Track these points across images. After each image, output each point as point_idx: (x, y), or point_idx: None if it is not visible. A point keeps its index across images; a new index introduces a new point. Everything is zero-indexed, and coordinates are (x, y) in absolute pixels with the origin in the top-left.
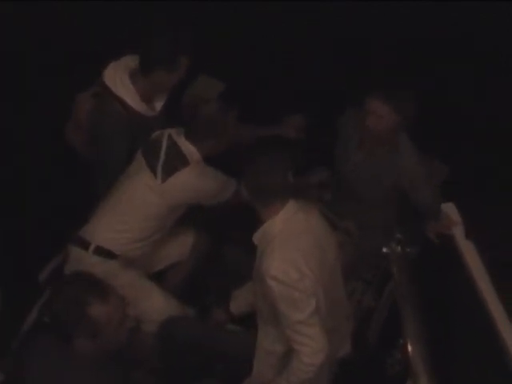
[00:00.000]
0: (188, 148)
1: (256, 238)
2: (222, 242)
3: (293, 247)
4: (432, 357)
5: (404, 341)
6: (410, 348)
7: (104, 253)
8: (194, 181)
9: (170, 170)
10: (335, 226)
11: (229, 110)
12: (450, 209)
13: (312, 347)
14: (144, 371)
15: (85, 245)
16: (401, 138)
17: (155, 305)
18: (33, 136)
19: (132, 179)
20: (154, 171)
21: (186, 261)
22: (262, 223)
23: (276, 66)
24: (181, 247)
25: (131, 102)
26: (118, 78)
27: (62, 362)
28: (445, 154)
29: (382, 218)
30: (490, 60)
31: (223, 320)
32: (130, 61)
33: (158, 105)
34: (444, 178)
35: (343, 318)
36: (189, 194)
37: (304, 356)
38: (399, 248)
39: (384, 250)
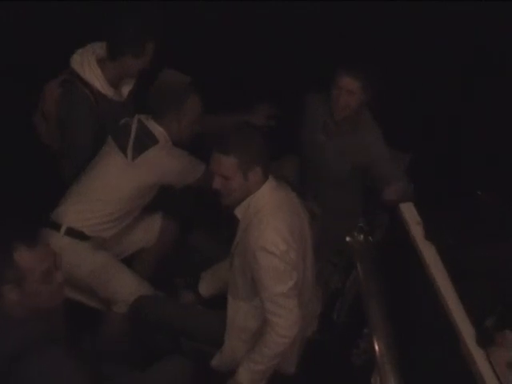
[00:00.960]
0: (156, 129)
1: (239, 211)
2: (189, 228)
3: (280, 219)
4: (396, 348)
5: (368, 331)
6: (374, 340)
7: (75, 234)
8: (164, 159)
9: (140, 149)
10: None
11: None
12: (408, 209)
13: (289, 319)
14: (116, 361)
15: (56, 227)
16: (366, 117)
17: (127, 286)
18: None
19: (103, 162)
20: (124, 151)
21: (153, 246)
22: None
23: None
24: (148, 233)
25: (99, 87)
26: (86, 64)
27: None
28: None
29: (347, 201)
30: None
31: (192, 301)
32: (98, 47)
33: (125, 90)
34: (406, 166)
35: (313, 296)
36: (159, 173)
37: (280, 328)
38: (362, 237)
39: (347, 239)
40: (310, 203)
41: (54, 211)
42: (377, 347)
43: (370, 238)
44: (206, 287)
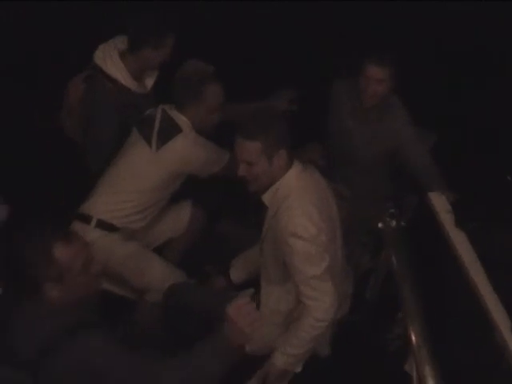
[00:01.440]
0: (180, 118)
1: (266, 198)
2: (218, 216)
3: (308, 202)
4: (431, 334)
5: (403, 316)
6: (408, 326)
7: (106, 226)
8: (188, 148)
9: (164, 138)
10: None
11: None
12: (439, 197)
13: (325, 302)
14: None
15: (87, 219)
16: (393, 100)
17: (159, 274)
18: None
19: (128, 153)
20: (149, 141)
21: (183, 235)
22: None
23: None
24: (177, 222)
25: (122, 80)
26: (109, 58)
27: (33, 312)
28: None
29: (375, 185)
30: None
31: (223, 287)
32: (119, 42)
33: (149, 82)
34: (432, 145)
35: (344, 278)
36: (183, 162)
37: (316, 311)
38: (394, 223)
39: (379, 225)
40: (339, 186)
41: (83, 204)
42: (412, 333)
43: (402, 223)
44: (237, 273)
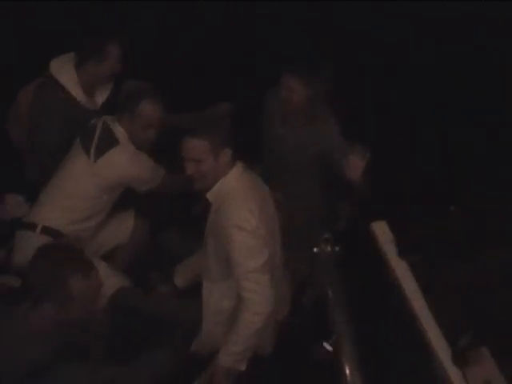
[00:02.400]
0: (118, 130)
1: (211, 195)
2: (161, 226)
3: (249, 198)
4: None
5: (335, 338)
6: (340, 352)
7: (52, 232)
8: (126, 162)
9: (101, 150)
10: None
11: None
12: (381, 227)
13: (262, 294)
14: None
15: (31, 227)
16: (322, 110)
17: (107, 280)
18: None
19: (70, 163)
20: (87, 152)
21: (126, 244)
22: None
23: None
24: (120, 232)
25: (74, 92)
26: (64, 69)
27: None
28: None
29: (309, 185)
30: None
31: (168, 294)
32: (74, 55)
33: (99, 100)
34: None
35: (282, 280)
36: (120, 174)
37: (254, 304)
38: (328, 248)
39: (314, 249)
40: (274, 192)
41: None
42: (344, 360)
43: (337, 248)
44: (180, 279)
